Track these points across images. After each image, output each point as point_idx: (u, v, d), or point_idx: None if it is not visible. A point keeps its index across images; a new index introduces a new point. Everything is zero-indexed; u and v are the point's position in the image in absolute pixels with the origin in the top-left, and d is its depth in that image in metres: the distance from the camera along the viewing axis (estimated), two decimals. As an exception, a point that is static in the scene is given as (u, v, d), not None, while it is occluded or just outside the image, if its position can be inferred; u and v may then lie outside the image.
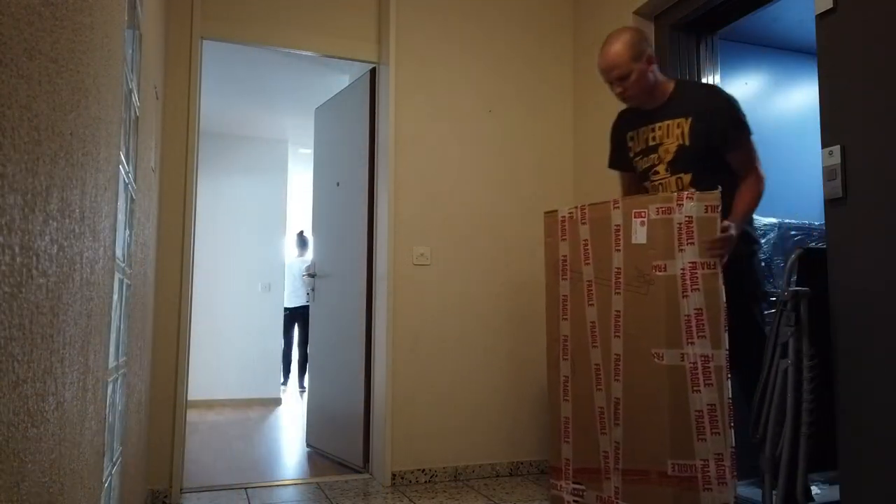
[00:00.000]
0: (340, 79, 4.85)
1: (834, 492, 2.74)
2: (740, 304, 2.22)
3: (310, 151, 6.69)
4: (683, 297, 2.10)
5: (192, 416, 5.34)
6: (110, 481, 1.41)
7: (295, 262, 6.91)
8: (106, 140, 1.14)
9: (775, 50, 3.47)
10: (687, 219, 2.12)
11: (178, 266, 2.88)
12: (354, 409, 3.44)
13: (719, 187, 2.12)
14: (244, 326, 6.13)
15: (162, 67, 2.63)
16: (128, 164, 1.51)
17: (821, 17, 1.92)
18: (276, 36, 3.17)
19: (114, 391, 1.43)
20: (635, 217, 2.22)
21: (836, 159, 1.84)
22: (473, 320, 3.26)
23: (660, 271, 2.14)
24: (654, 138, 2.42)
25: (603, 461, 2.27)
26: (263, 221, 6.28)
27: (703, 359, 2.07)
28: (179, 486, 2.81)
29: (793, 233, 3.16)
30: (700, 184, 2.25)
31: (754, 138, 2.28)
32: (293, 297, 6.78)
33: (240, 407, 5.91)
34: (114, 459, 1.47)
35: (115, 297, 1.39)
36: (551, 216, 2.51)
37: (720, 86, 3.08)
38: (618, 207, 2.27)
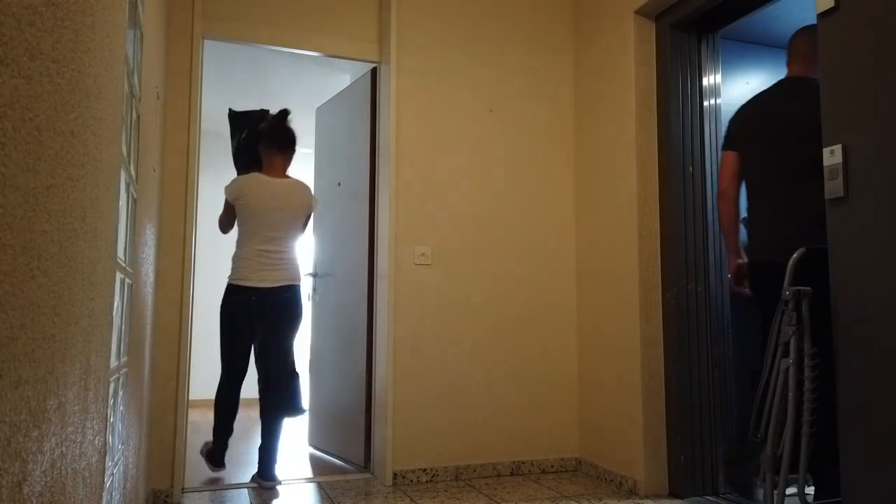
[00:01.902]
0: (341, 78, 4.85)
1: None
2: None
3: (311, 151, 6.68)
4: None
5: (194, 415, 5.35)
6: (112, 481, 1.41)
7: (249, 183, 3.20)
8: (107, 139, 1.15)
9: (777, 49, 3.46)
10: None
11: (179, 265, 2.88)
12: (356, 408, 3.44)
13: None
14: (245, 326, 6.12)
15: (163, 67, 2.63)
16: (129, 163, 1.51)
17: (822, 17, 1.92)
18: (277, 35, 3.17)
19: (115, 391, 1.43)
20: None
21: (838, 158, 1.84)
22: (474, 320, 3.26)
23: None
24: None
25: None
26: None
27: None
28: (181, 486, 2.81)
29: (794, 232, 3.16)
30: None
31: None
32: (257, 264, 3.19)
33: (241, 406, 5.90)
34: (115, 459, 1.47)
35: (117, 296, 1.39)
36: None
37: (721, 85, 3.08)
38: None
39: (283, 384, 3.19)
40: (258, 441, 4.22)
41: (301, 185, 3.24)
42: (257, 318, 3.11)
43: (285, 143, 3.24)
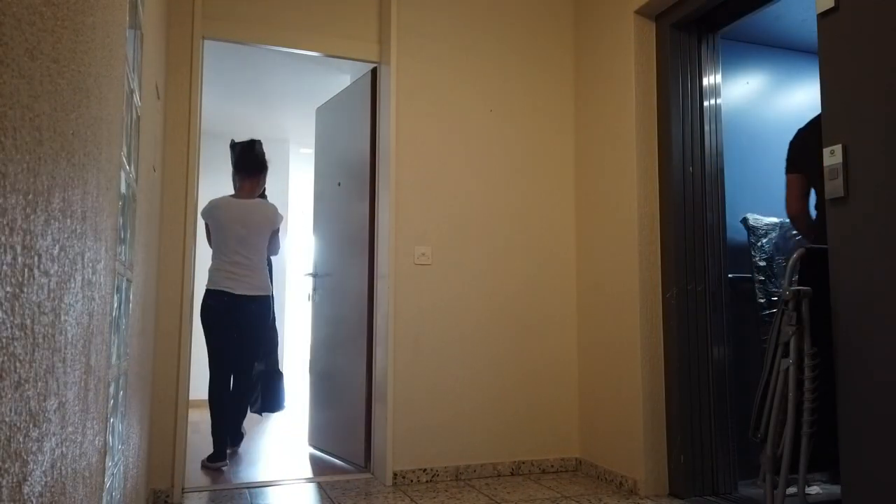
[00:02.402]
0: (341, 78, 4.85)
1: (835, 491, 2.74)
2: None
3: (311, 151, 6.68)
4: None
5: (194, 415, 5.35)
6: (112, 481, 1.41)
7: (230, 205, 3.70)
8: (107, 140, 1.15)
9: (777, 49, 3.47)
10: None
11: (179, 265, 2.88)
12: (356, 408, 3.44)
13: None
14: (245, 326, 6.11)
15: (163, 67, 2.63)
16: (129, 163, 1.51)
17: (822, 17, 1.92)
18: (277, 36, 3.17)
19: (116, 391, 1.43)
20: None
21: (838, 158, 1.84)
22: (474, 320, 3.26)
23: None
24: None
25: None
26: (264, 221, 6.25)
27: None
28: (181, 486, 2.81)
29: (794, 232, 3.16)
30: None
31: None
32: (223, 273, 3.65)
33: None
34: (115, 459, 1.47)
35: (117, 296, 1.39)
36: None
37: (721, 85, 3.08)
38: None
39: (247, 383, 3.73)
40: (257, 441, 4.22)
41: (265, 205, 3.72)
42: (230, 316, 3.59)
43: (251, 168, 3.74)
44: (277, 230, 3.78)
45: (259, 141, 3.85)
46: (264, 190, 3.94)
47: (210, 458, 3.45)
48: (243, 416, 3.80)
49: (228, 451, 3.66)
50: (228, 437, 3.63)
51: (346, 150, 3.75)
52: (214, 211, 3.64)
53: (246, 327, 3.63)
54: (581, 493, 2.91)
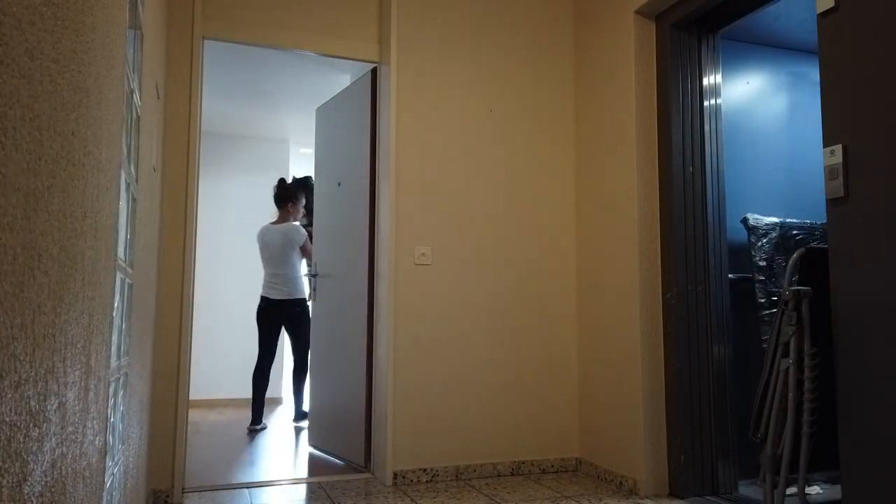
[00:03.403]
0: (341, 78, 4.85)
1: (835, 491, 2.75)
2: None
3: (311, 151, 6.69)
4: None
5: (194, 415, 5.35)
6: (112, 481, 1.41)
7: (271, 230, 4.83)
8: (107, 140, 1.15)
9: (777, 49, 3.47)
10: None
11: (179, 265, 2.88)
12: (356, 408, 3.44)
13: None
14: (245, 326, 6.12)
15: (163, 67, 2.63)
16: (129, 163, 1.51)
17: (822, 17, 1.92)
18: (277, 36, 3.17)
19: (116, 391, 1.43)
20: None
21: (838, 158, 1.84)
22: (474, 320, 3.26)
23: None
24: None
25: None
26: (264, 221, 6.27)
27: None
28: (181, 486, 2.81)
29: (794, 232, 3.16)
30: None
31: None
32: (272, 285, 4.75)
33: (241, 406, 5.91)
34: (116, 459, 1.47)
35: (117, 296, 1.39)
36: None
37: (721, 85, 3.08)
38: None
39: (302, 366, 4.79)
40: (257, 441, 4.23)
41: (288, 228, 4.72)
42: (271, 315, 4.71)
43: (278, 202, 4.86)
44: (303, 245, 4.73)
45: (283, 179, 4.91)
46: (305, 213, 4.93)
47: (250, 424, 4.59)
48: (300, 391, 4.81)
49: (294, 425, 4.76)
50: (254, 411, 4.59)
51: (346, 150, 3.76)
52: (259, 236, 4.83)
53: (285, 323, 4.72)
54: (581, 493, 2.91)
